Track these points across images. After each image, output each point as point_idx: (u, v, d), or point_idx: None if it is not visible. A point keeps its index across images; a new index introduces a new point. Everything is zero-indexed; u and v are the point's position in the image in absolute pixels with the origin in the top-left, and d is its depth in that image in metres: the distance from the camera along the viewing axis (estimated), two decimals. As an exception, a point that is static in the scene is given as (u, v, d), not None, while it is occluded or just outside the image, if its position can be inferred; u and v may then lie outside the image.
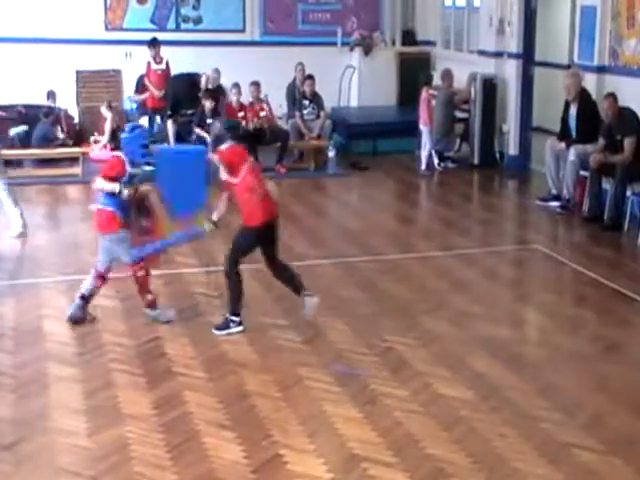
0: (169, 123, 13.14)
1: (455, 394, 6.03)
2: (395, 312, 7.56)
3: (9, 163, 12.48)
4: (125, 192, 6.95)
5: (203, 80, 13.57)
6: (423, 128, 13.18)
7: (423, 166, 13.09)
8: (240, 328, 7.02)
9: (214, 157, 7.09)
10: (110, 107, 13.39)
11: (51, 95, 13.43)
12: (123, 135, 7.48)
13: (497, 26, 13.34)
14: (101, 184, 7.03)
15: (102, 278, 7.22)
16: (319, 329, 7.14)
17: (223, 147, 7.13)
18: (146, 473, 5.04)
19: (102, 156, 13.30)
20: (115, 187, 6.95)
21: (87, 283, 7.20)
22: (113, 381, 6.22)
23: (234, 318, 7.04)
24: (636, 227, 9.78)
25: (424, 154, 13.12)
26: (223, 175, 7.05)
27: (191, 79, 13.67)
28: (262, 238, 7.09)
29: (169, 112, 13.18)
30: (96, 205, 7.18)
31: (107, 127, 13.17)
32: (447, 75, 13.50)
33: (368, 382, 6.20)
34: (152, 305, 7.27)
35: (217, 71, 13.51)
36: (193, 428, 5.54)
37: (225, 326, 7.03)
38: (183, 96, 13.20)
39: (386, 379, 6.25)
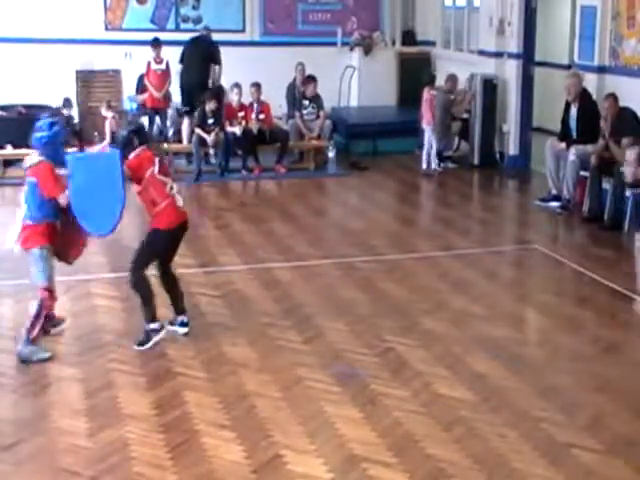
0: (185, 121, 13.03)
1: (455, 394, 6.03)
2: (395, 312, 7.56)
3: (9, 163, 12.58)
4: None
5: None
6: (426, 127, 13.16)
7: (424, 165, 13.08)
8: (162, 334, 6.75)
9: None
10: (110, 107, 13.41)
11: (67, 103, 13.40)
12: (39, 134, 6.60)
13: (497, 26, 13.33)
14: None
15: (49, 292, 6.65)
16: (319, 329, 7.14)
17: (132, 155, 6.65)
18: (146, 473, 5.04)
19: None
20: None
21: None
22: (113, 381, 6.23)
23: (153, 326, 6.75)
24: (636, 227, 9.77)
25: (425, 153, 13.11)
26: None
27: (206, 72, 13.60)
28: (170, 242, 6.82)
29: (186, 108, 13.08)
30: (23, 222, 6.62)
31: (107, 127, 13.20)
32: (451, 79, 13.49)
33: (368, 382, 6.19)
34: (34, 340, 6.54)
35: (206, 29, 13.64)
36: (193, 428, 5.54)
37: (147, 339, 6.72)
38: (197, 91, 13.04)
39: (386, 379, 6.25)
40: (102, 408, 5.84)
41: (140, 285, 6.76)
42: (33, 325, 6.55)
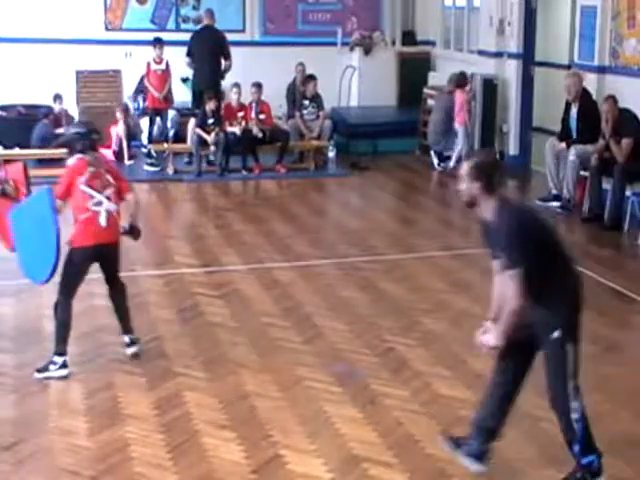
0: (192, 121, 12.86)
1: (455, 394, 6.03)
2: (395, 312, 7.56)
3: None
4: None
5: None
6: (459, 128, 13.13)
7: (452, 164, 13.08)
8: (64, 372, 6.24)
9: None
10: (126, 112, 13.39)
11: (58, 98, 13.43)
12: None
13: (497, 26, 13.34)
14: None
15: None
16: (319, 329, 7.14)
17: (70, 161, 6.48)
18: (146, 473, 5.04)
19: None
20: None
21: None
22: (113, 381, 6.22)
23: (57, 359, 6.27)
24: (636, 227, 9.78)
25: (456, 153, 13.10)
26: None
27: (218, 68, 13.55)
28: (83, 264, 6.40)
29: (197, 111, 12.99)
30: None
31: (117, 131, 13.19)
32: (454, 80, 13.47)
33: (368, 382, 6.20)
34: None
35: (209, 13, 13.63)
36: (193, 428, 5.54)
37: (45, 368, 6.26)
38: (209, 91, 12.93)
39: (386, 379, 6.25)
40: (102, 408, 5.84)
41: (59, 310, 6.37)
42: None
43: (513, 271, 4.58)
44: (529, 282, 4.61)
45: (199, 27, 13.81)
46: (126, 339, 6.60)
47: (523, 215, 4.76)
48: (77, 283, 6.45)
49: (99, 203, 6.32)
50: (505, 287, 4.69)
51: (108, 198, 6.37)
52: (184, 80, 13.85)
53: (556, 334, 4.79)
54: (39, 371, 6.25)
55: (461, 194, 4.75)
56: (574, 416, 4.80)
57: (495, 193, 4.67)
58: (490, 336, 4.84)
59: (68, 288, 6.41)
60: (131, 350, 6.57)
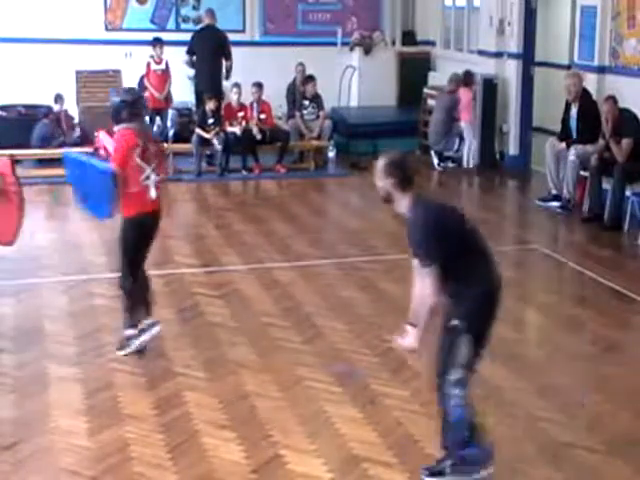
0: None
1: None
2: (395, 312, 7.54)
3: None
4: None
5: None
6: (465, 126, 13.13)
7: (465, 162, 13.14)
8: (143, 338, 6.51)
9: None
10: None
11: (59, 99, 13.43)
12: None
13: (497, 26, 13.33)
14: None
15: None
16: (319, 329, 7.14)
17: (115, 136, 6.47)
18: (146, 473, 5.04)
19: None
20: None
21: None
22: (113, 381, 6.22)
23: (131, 332, 6.53)
24: (636, 227, 9.78)
25: (465, 151, 13.11)
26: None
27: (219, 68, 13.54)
28: (143, 227, 6.50)
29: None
30: None
31: None
32: (454, 80, 13.46)
33: (368, 382, 6.20)
34: None
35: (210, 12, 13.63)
36: (193, 428, 5.54)
37: (122, 346, 6.54)
38: (210, 92, 12.91)
39: (386, 379, 6.25)
40: (102, 408, 5.84)
41: (123, 282, 6.50)
42: None
43: (428, 268, 4.64)
44: (444, 277, 4.65)
45: (200, 27, 13.81)
46: (130, 332, 6.64)
47: (437, 211, 4.80)
48: (135, 252, 6.51)
49: (148, 177, 6.41)
50: (421, 286, 4.74)
51: (154, 170, 6.47)
52: (191, 78, 13.80)
53: (454, 322, 4.73)
54: (119, 349, 6.48)
55: (378, 190, 4.89)
56: (452, 403, 4.72)
57: (409, 189, 4.77)
58: (408, 338, 4.81)
59: (128, 259, 6.47)
60: (157, 329, 6.67)
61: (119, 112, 6.40)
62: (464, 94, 13.12)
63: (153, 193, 6.46)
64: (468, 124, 13.10)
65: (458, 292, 4.73)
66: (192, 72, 13.53)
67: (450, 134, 13.38)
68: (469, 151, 13.15)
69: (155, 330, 6.60)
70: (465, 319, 4.70)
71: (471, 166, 13.10)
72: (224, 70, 13.21)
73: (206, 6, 14.89)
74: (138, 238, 6.49)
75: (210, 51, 13.14)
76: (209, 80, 13.08)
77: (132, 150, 6.29)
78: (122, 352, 6.51)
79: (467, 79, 13.21)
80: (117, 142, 6.40)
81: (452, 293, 4.74)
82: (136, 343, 6.51)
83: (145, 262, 6.68)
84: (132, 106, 6.43)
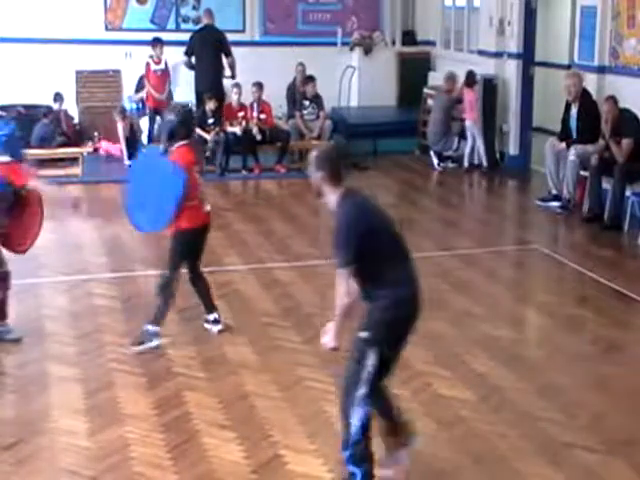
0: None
1: (455, 394, 6.03)
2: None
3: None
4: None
5: None
6: (469, 125, 13.11)
7: (466, 162, 13.12)
8: (158, 342, 6.71)
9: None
10: (123, 114, 13.42)
11: (58, 98, 13.43)
12: None
13: (497, 26, 13.34)
14: None
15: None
16: (319, 329, 7.09)
17: (176, 152, 6.62)
18: (146, 473, 5.04)
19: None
20: None
21: None
22: (113, 381, 6.22)
23: (152, 328, 6.71)
24: (636, 227, 9.78)
25: (468, 151, 13.11)
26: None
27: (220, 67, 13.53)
28: (196, 240, 6.80)
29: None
30: None
31: (120, 132, 13.26)
32: (451, 79, 13.47)
33: (368, 382, 6.19)
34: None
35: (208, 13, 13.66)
36: (193, 428, 5.54)
37: (141, 341, 6.71)
38: (212, 92, 12.92)
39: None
40: (102, 408, 5.84)
41: (165, 286, 6.69)
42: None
43: (341, 268, 4.51)
44: (361, 279, 4.57)
45: (199, 27, 13.80)
46: (211, 317, 6.96)
47: (361, 209, 4.64)
48: (182, 262, 6.80)
49: (202, 191, 6.78)
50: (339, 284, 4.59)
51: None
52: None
53: (363, 334, 4.60)
54: (135, 344, 6.66)
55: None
56: (353, 421, 4.61)
57: (339, 184, 4.64)
58: (328, 337, 4.75)
59: (175, 266, 6.74)
60: (217, 328, 6.97)
61: (177, 131, 6.60)
62: (468, 94, 13.11)
63: (208, 206, 6.80)
64: (473, 124, 13.07)
65: (372, 296, 4.60)
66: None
67: (449, 134, 13.37)
68: (476, 151, 13.12)
69: (217, 328, 6.97)
70: (373, 332, 4.56)
71: (485, 165, 13.05)
72: (227, 68, 13.21)
73: (206, 6, 14.91)
74: (191, 250, 6.81)
75: (210, 50, 13.13)
76: (210, 80, 13.08)
77: (193, 166, 6.59)
78: (138, 348, 6.66)
79: (470, 79, 13.20)
80: (179, 160, 6.53)
81: (366, 296, 4.63)
82: (156, 343, 6.68)
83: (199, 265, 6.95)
84: (188, 123, 6.74)
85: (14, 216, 6.72)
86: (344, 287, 4.51)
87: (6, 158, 6.62)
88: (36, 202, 6.88)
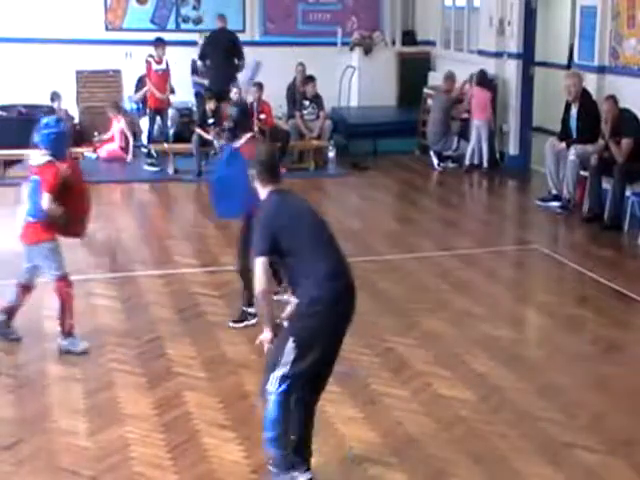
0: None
1: (455, 394, 6.03)
2: (395, 312, 7.56)
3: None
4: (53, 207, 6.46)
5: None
6: (477, 122, 13.09)
7: (467, 161, 13.11)
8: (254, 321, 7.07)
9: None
10: (118, 109, 13.46)
11: (55, 97, 13.45)
12: (47, 131, 6.54)
13: (497, 26, 13.34)
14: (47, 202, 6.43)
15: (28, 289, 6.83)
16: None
17: (244, 142, 7.03)
18: (146, 473, 5.04)
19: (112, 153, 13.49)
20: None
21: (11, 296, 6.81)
22: (113, 381, 6.22)
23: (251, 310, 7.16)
24: (636, 227, 9.79)
25: (470, 148, 13.11)
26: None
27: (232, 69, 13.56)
28: None
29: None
30: (25, 219, 6.64)
31: (118, 128, 13.29)
32: (450, 78, 13.45)
33: (368, 382, 6.20)
34: (70, 332, 6.70)
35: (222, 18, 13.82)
36: (193, 428, 5.54)
37: (241, 319, 7.18)
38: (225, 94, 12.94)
39: (386, 379, 6.25)
40: (102, 408, 5.84)
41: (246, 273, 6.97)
42: (64, 317, 6.66)
43: (257, 258, 4.69)
44: (284, 272, 4.80)
45: (212, 31, 13.84)
46: (251, 310, 7.14)
47: (283, 205, 4.81)
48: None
49: None
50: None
51: None
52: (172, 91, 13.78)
53: (284, 322, 4.82)
54: (236, 322, 7.14)
55: None
56: (270, 404, 4.75)
57: (269, 184, 4.85)
58: (264, 333, 4.89)
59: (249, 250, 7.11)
60: (254, 320, 7.10)
61: (244, 123, 7.14)
62: (479, 93, 13.07)
63: None
64: (483, 124, 13.01)
65: (295, 291, 4.79)
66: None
67: (448, 134, 13.36)
68: (477, 151, 13.09)
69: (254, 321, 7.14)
70: (293, 323, 4.75)
71: (485, 165, 13.04)
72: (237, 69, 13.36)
73: (206, 6, 14.95)
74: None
75: (223, 53, 13.27)
76: (224, 82, 13.10)
77: None
78: (237, 325, 7.12)
79: (481, 78, 13.16)
80: (247, 153, 6.68)
81: (291, 289, 4.84)
82: (253, 321, 7.05)
83: None
84: (245, 115, 7.28)
85: (66, 202, 6.58)
86: (261, 275, 4.69)
87: (45, 157, 6.51)
88: (78, 179, 6.83)
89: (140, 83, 13.87)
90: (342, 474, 5.04)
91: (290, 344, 4.66)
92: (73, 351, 6.62)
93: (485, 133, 12.98)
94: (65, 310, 6.66)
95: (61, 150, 6.59)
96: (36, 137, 6.58)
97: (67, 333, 6.67)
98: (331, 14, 15.81)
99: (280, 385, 4.68)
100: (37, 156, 6.56)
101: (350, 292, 4.83)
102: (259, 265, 4.70)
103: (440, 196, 12.53)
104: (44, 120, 6.65)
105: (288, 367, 4.65)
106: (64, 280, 6.66)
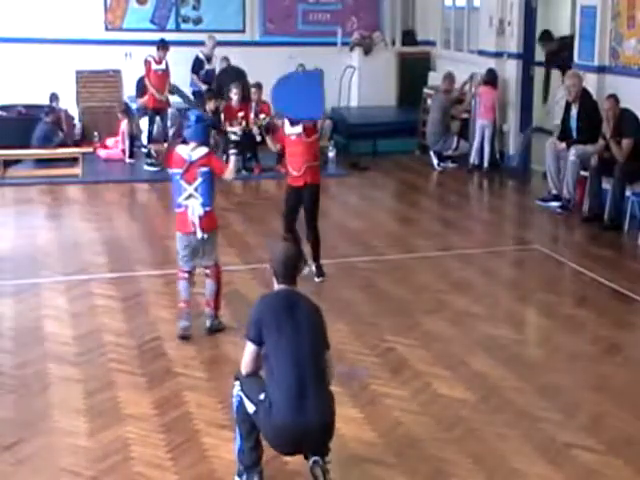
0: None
1: (455, 394, 6.03)
2: (395, 312, 7.56)
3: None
4: None
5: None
6: (481, 121, 13.09)
7: (472, 160, 13.11)
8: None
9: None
10: (126, 112, 13.47)
11: (54, 98, 13.46)
12: (198, 124, 6.95)
13: (497, 26, 13.34)
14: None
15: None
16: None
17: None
18: (146, 473, 5.04)
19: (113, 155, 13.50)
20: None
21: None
22: (113, 381, 6.22)
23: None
24: (636, 227, 9.79)
25: (475, 147, 13.12)
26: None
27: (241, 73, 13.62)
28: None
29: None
30: (204, 210, 6.90)
31: (122, 129, 13.31)
32: (448, 78, 13.45)
33: (368, 382, 6.20)
34: (218, 313, 7.19)
35: (226, 59, 13.81)
36: (193, 428, 5.54)
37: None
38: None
39: (386, 379, 6.25)
40: (102, 408, 5.84)
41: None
42: (217, 300, 7.16)
43: (247, 343, 4.80)
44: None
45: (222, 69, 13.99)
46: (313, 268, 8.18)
47: (262, 309, 4.86)
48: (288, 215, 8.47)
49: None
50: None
51: None
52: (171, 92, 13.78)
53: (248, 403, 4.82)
54: (320, 276, 8.25)
55: None
56: (233, 399, 4.88)
57: (279, 282, 5.01)
58: None
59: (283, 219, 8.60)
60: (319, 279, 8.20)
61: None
62: (486, 93, 13.06)
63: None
64: (490, 123, 13.00)
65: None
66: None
67: (448, 133, 13.36)
68: (477, 152, 13.10)
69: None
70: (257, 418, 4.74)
71: (485, 165, 13.04)
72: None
73: (206, 6, 14.93)
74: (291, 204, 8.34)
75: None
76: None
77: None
78: (323, 278, 8.24)
79: (490, 78, 13.14)
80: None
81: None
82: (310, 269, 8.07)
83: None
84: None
85: None
86: (246, 357, 4.80)
87: (204, 148, 6.92)
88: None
89: (140, 84, 13.86)
90: (342, 474, 5.04)
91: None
92: (221, 328, 7.12)
93: (489, 133, 12.98)
94: (219, 292, 7.18)
95: (208, 141, 7.26)
96: (187, 133, 6.98)
97: (217, 314, 7.15)
98: (331, 14, 15.81)
99: (240, 387, 4.84)
100: (196, 150, 6.87)
101: (307, 419, 4.58)
102: (248, 349, 4.78)
103: (440, 196, 12.53)
104: (192, 117, 7.04)
105: (251, 407, 4.75)
106: (219, 264, 7.21)
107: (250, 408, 4.74)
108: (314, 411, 4.61)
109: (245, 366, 4.82)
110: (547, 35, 12.84)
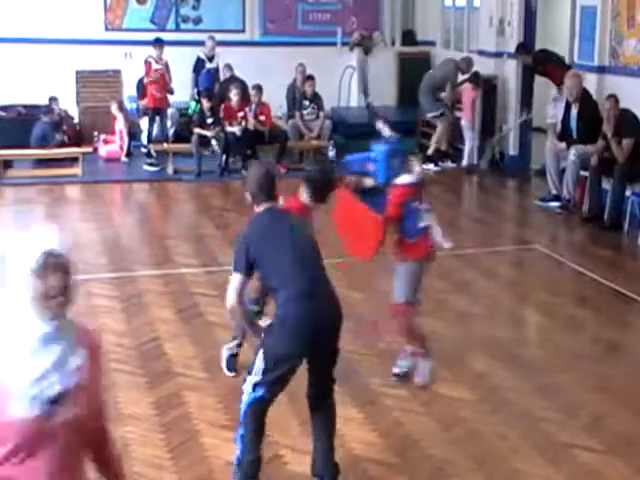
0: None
1: (455, 394, 6.03)
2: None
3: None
4: None
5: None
6: (465, 125, 13.13)
7: (465, 161, 13.12)
8: None
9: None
10: (121, 107, 13.51)
11: (53, 100, 13.46)
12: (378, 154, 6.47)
13: (497, 26, 13.34)
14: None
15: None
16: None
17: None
18: (146, 473, 5.04)
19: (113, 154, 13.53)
20: None
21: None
22: (113, 381, 6.21)
23: None
24: (636, 227, 9.79)
25: (467, 149, 13.12)
26: None
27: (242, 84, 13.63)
28: None
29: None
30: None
31: (119, 127, 13.34)
32: (466, 60, 13.51)
33: (368, 382, 6.19)
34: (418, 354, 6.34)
35: (230, 68, 13.86)
36: (193, 428, 5.54)
37: None
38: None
39: (386, 379, 6.24)
40: (102, 408, 5.83)
41: None
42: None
43: (234, 274, 4.80)
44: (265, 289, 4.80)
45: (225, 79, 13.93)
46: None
47: (260, 226, 4.85)
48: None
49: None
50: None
51: None
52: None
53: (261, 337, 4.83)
54: None
55: None
56: (242, 405, 4.81)
57: (259, 202, 4.87)
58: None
59: None
60: None
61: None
62: (467, 92, 13.09)
63: None
64: (469, 123, 13.07)
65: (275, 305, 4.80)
66: None
67: (438, 102, 13.37)
68: (470, 151, 13.13)
69: None
70: (264, 342, 4.74)
71: (476, 164, 13.05)
72: None
73: (206, 6, 14.92)
74: None
75: None
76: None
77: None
78: None
79: (474, 78, 13.16)
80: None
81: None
82: None
83: None
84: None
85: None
86: (233, 290, 4.76)
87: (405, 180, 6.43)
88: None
89: (140, 85, 13.87)
90: (342, 474, 5.04)
91: (260, 355, 4.70)
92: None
93: (469, 132, 13.02)
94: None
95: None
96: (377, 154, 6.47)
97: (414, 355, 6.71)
98: (331, 14, 15.82)
99: (255, 390, 4.74)
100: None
101: (320, 314, 4.73)
102: (234, 280, 4.77)
103: (440, 196, 12.51)
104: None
105: (260, 376, 4.69)
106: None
107: (259, 365, 4.66)
108: (326, 305, 4.84)
109: (229, 298, 4.76)
110: (522, 49, 12.79)
